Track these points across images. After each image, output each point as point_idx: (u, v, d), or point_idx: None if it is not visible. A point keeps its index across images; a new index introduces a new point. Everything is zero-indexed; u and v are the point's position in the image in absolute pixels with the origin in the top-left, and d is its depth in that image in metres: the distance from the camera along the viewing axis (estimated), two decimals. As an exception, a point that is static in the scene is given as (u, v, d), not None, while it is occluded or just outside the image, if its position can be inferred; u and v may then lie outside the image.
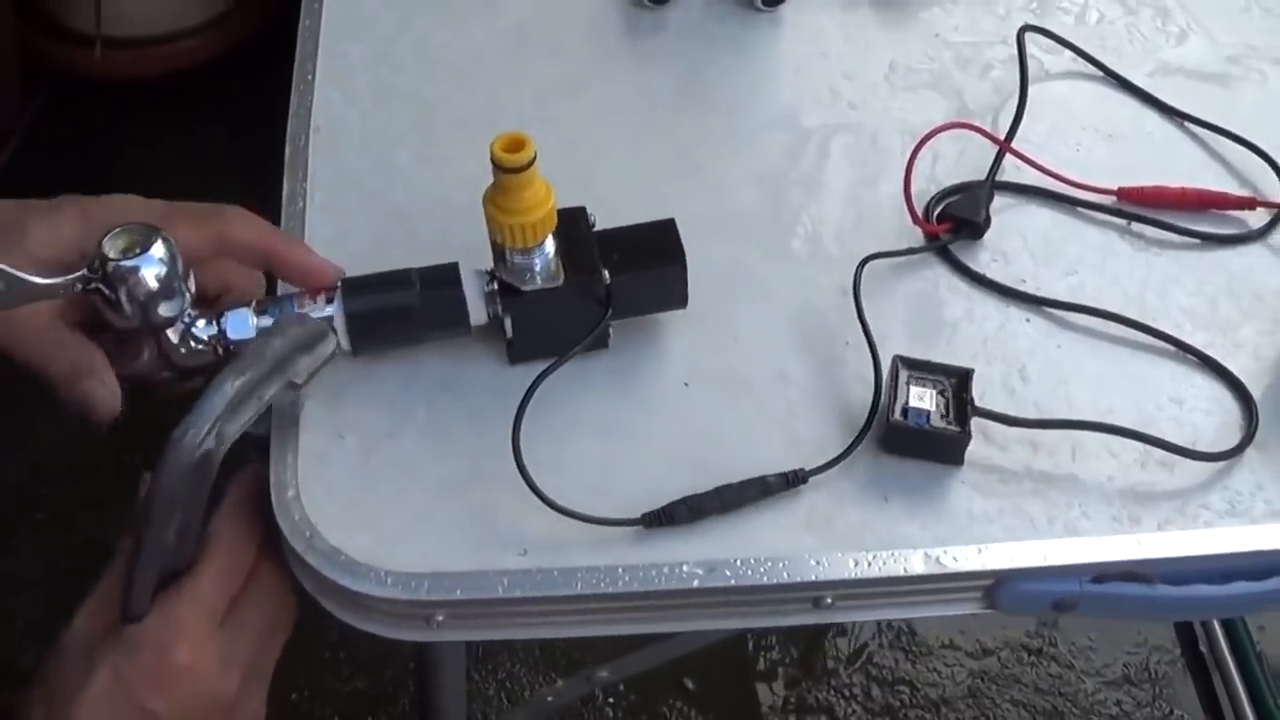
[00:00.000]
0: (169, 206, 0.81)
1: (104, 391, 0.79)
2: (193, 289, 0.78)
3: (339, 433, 0.80)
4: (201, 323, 0.78)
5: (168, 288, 0.75)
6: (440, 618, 0.75)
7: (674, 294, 0.84)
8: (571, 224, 0.82)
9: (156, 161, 2.37)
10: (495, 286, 0.80)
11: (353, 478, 0.78)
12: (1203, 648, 1.68)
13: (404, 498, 0.78)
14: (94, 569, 0.73)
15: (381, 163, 0.95)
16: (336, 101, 0.99)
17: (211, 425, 0.68)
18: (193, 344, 0.78)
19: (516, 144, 0.74)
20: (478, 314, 0.81)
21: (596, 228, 0.83)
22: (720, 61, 1.04)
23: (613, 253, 0.82)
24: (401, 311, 0.80)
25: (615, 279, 0.81)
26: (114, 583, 0.73)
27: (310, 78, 1.00)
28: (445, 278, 0.81)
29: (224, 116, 2.49)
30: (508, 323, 0.81)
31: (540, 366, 0.80)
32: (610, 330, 0.84)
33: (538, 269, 0.80)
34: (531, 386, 0.79)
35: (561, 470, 0.78)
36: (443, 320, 0.81)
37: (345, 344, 0.80)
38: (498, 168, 0.74)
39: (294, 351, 0.74)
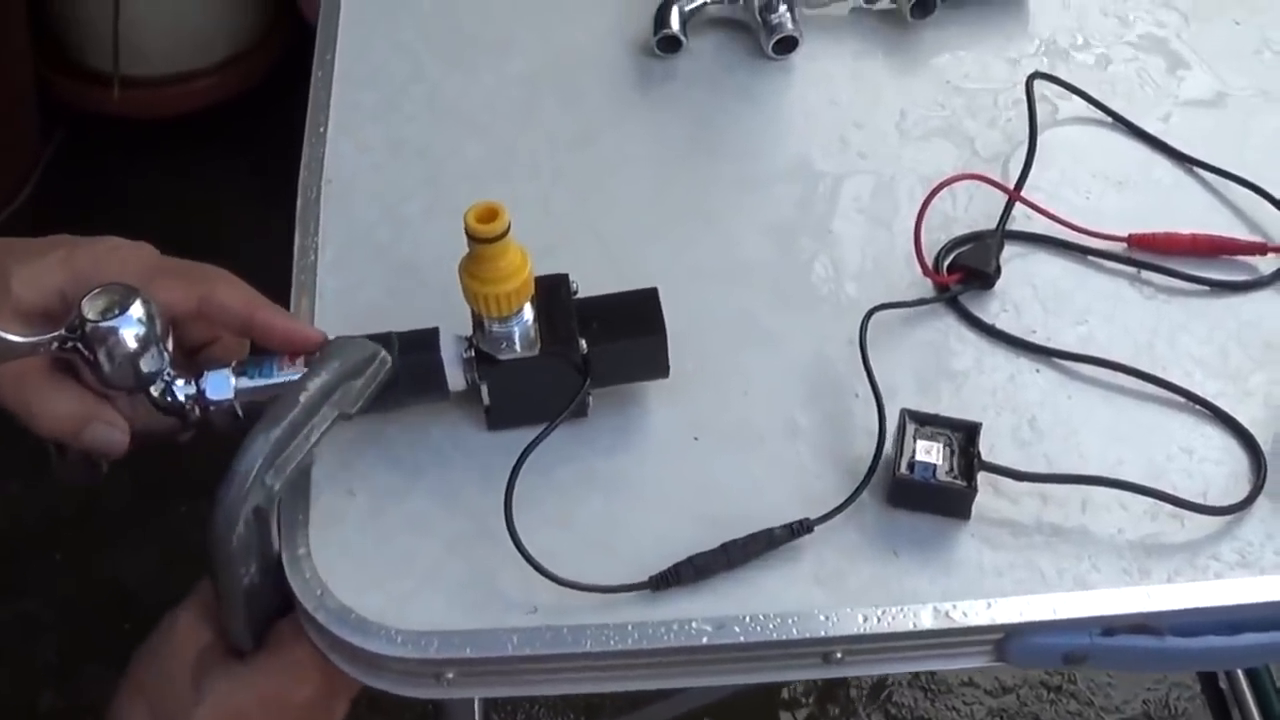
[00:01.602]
0: (157, 260, 0.82)
1: (113, 433, 0.80)
2: (171, 348, 0.78)
3: (350, 491, 0.81)
4: (180, 382, 0.78)
5: (146, 348, 0.76)
6: (450, 675, 0.75)
7: (654, 364, 0.83)
8: (552, 292, 0.81)
9: (174, 199, 2.38)
10: (473, 354, 0.80)
11: (363, 537, 0.79)
12: (1222, 685, 1.66)
13: (414, 557, 0.78)
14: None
15: (392, 216, 0.96)
16: (348, 153, 0.99)
17: (250, 481, 0.69)
18: (171, 403, 0.78)
19: (490, 214, 0.73)
20: (456, 380, 0.81)
21: (580, 294, 0.82)
22: (730, 110, 1.05)
23: (593, 321, 0.81)
24: None
25: (593, 349, 0.80)
26: (211, 599, 0.76)
27: (322, 130, 1.00)
28: (424, 343, 0.80)
29: (241, 155, 2.50)
30: (484, 390, 0.81)
31: (525, 434, 0.80)
32: (590, 399, 0.83)
33: (515, 338, 0.79)
34: (517, 463, 0.78)
35: (570, 527, 0.79)
36: (421, 385, 0.81)
37: None
38: (472, 238, 0.74)
39: (336, 385, 0.74)
